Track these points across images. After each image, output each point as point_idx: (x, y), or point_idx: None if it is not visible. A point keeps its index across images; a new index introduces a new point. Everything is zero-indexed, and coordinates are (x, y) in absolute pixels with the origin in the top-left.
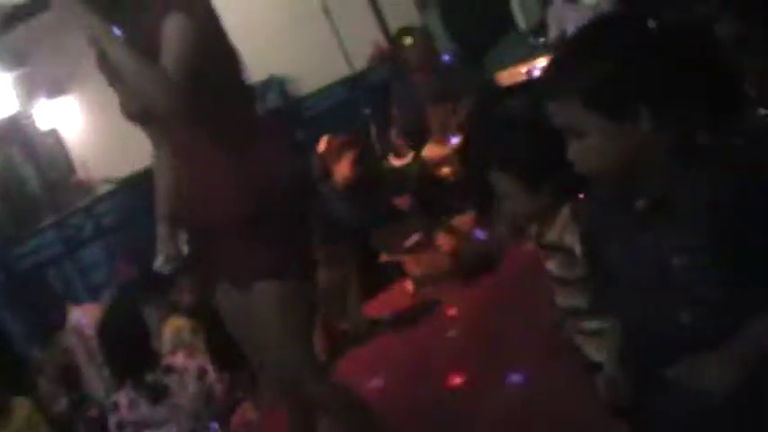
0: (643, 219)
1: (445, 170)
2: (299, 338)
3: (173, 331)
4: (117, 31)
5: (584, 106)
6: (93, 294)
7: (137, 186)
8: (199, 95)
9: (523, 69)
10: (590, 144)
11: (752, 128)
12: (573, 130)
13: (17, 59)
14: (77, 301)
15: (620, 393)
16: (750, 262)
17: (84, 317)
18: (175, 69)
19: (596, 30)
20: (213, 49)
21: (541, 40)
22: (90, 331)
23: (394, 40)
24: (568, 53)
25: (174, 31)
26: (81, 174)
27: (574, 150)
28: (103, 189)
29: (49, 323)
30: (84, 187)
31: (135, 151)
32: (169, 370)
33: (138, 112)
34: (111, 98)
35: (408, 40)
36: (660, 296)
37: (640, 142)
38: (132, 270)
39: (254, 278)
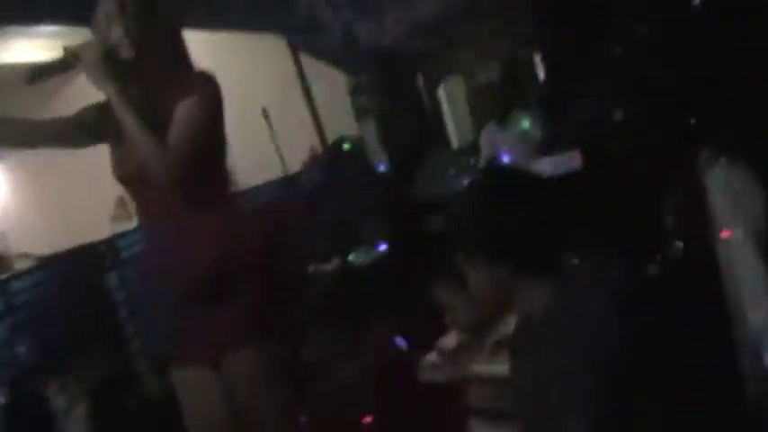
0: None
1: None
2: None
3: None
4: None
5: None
6: None
7: (57, 266)
8: (192, 171)
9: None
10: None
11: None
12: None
13: None
14: None
15: None
16: None
17: None
18: (180, 147)
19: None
20: (213, 134)
21: (472, 160)
22: None
23: (331, 146)
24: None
25: (185, 111)
26: None
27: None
28: (21, 265)
29: None
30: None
31: (57, 228)
32: None
33: (131, 174)
34: (39, 171)
35: (346, 147)
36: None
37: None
38: (37, 352)
39: (228, 349)
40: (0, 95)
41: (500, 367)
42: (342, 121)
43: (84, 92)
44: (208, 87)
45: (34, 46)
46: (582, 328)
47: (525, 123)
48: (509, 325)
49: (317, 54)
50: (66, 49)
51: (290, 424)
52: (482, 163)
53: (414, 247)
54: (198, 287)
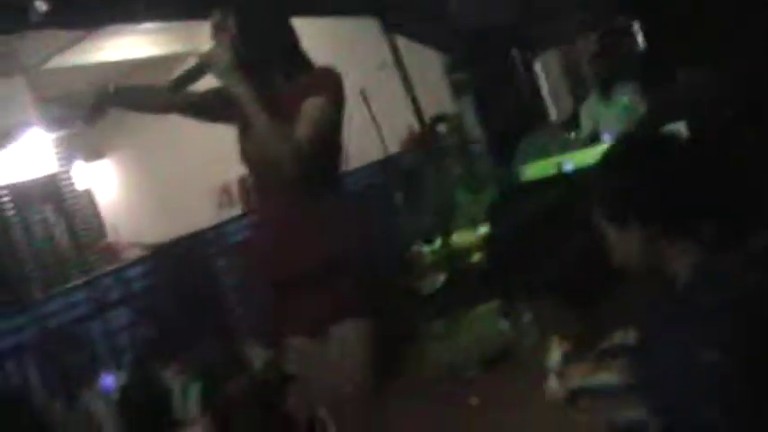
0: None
1: (473, 257)
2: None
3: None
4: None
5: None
6: (116, 357)
7: (168, 254)
8: (316, 164)
9: (553, 163)
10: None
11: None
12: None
13: (59, 122)
14: (102, 363)
15: None
16: None
17: (112, 382)
18: (306, 138)
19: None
20: (334, 133)
21: (573, 134)
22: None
23: (429, 126)
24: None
25: (313, 109)
26: (111, 237)
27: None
28: (132, 254)
29: (76, 383)
30: (112, 251)
31: (166, 220)
32: None
33: (256, 160)
34: (147, 165)
35: (442, 128)
36: (689, 391)
37: (641, 246)
38: (154, 334)
39: (331, 322)
40: None
41: (608, 377)
42: (439, 100)
43: None
44: (332, 83)
45: (138, 42)
46: (727, 298)
47: (626, 96)
48: (612, 336)
49: (412, 35)
50: (200, 55)
51: (380, 386)
52: (583, 137)
53: (516, 230)
54: (306, 275)
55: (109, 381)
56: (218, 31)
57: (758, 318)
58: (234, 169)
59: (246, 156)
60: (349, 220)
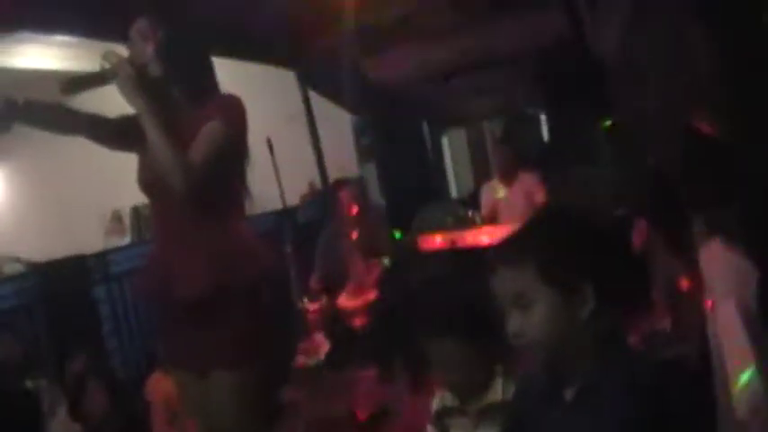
0: (571, 407)
1: (357, 321)
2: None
3: None
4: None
5: (538, 277)
6: None
7: (46, 274)
8: (208, 189)
9: (445, 238)
10: (536, 313)
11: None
12: (522, 298)
13: None
14: None
15: None
16: None
17: None
18: (198, 161)
19: (552, 214)
20: (230, 160)
21: (470, 212)
22: None
23: (331, 187)
24: (527, 230)
25: (211, 132)
26: None
27: (516, 321)
28: (9, 269)
29: None
30: None
31: (50, 238)
32: None
33: (151, 183)
34: (38, 177)
35: (344, 191)
36: None
37: (579, 320)
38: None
39: (211, 366)
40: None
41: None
42: (345, 159)
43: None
44: (233, 111)
45: (47, 54)
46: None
47: (529, 182)
48: (496, 391)
49: (325, 90)
50: (102, 64)
51: None
52: (481, 217)
53: (410, 294)
54: (196, 303)
55: None
56: (139, 39)
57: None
58: (128, 196)
59: (143, 178)
60: (241, 254)
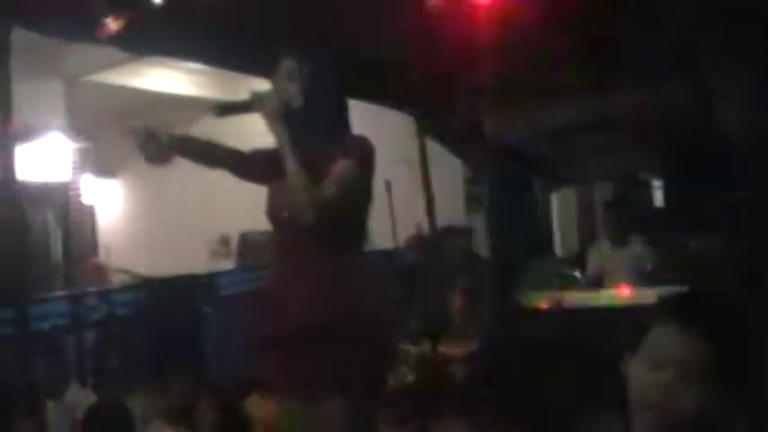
0: None
1: (453, 370)
2: None
3: None
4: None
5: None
6: (81, 376)
7: (157, 288)
8: (334, 221)
9: (550, 300)
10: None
11: None
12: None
13: (84, 134)
14: (71, 378)
15: None
16: None
17: (80, 398)
18: (330, 196)
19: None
20: (358, 198)
21: (577, 273)
22: (78, 416)
23: (439, 234)
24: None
25: (343, 169)
26: (100, 257)
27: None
28: (117, 279)
29: (43, 392)
30: (99, 271)
31: (157, 254)
32: None
33: (282, 215)
34: (153, 196)
35: (451, 239)
36: None
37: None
38: (122, 361)
39: (323, 394)
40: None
41: None
42: (452, 208)
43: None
44: (366, 152)
45: (172, 78)
46: None
47: (638, 248)
48: None
49: (442, 139)
50: (253, 93)
51: None
52: (588, 278)
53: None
54: (315, 331)
55: (78, 397)
56: (285, 77)
57: None
58: (237, 223)
59: (272, 208)
60: (361, 286)
